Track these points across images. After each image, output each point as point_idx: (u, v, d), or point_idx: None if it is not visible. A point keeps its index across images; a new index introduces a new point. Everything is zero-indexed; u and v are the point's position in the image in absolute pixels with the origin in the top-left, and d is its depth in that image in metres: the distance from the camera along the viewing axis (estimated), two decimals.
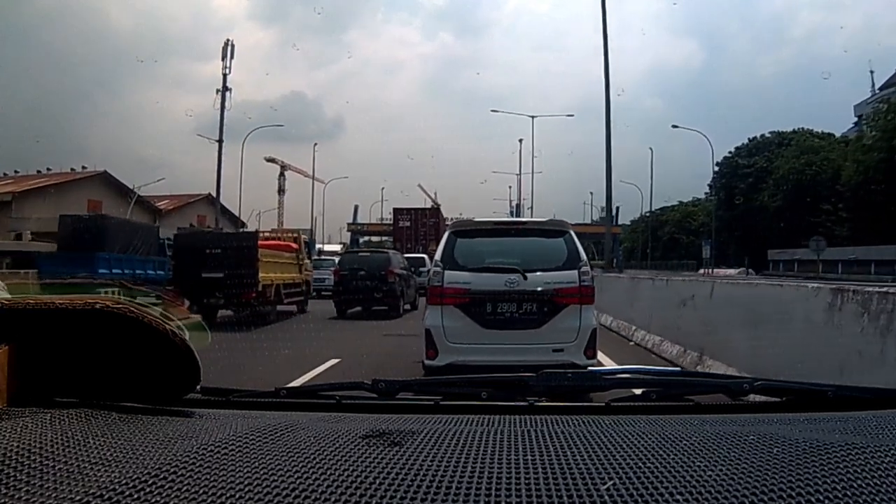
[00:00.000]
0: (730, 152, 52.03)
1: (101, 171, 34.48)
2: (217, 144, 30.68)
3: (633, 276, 14.46)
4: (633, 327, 9.83)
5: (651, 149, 51.05)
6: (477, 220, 6.64)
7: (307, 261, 17.01)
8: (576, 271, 5.49)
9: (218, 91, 31.57)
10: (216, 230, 28.16)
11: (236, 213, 40.33)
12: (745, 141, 52.67)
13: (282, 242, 16.08)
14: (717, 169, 49.87)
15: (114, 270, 14.97)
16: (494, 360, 5.17)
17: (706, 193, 57.74)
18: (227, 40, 32.40)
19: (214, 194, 35.87)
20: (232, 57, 31.90)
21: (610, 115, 21.87)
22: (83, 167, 35.67)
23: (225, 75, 31.42)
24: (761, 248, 43.87)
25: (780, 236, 43.06)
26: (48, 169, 35.90)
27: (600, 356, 7.26)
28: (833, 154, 43.36)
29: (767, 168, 47.71)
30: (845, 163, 39.30)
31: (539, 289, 5.40)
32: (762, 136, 52.22)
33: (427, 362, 5.41)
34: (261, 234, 16.49)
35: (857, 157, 37.33)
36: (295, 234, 17.88)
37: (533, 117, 44.86)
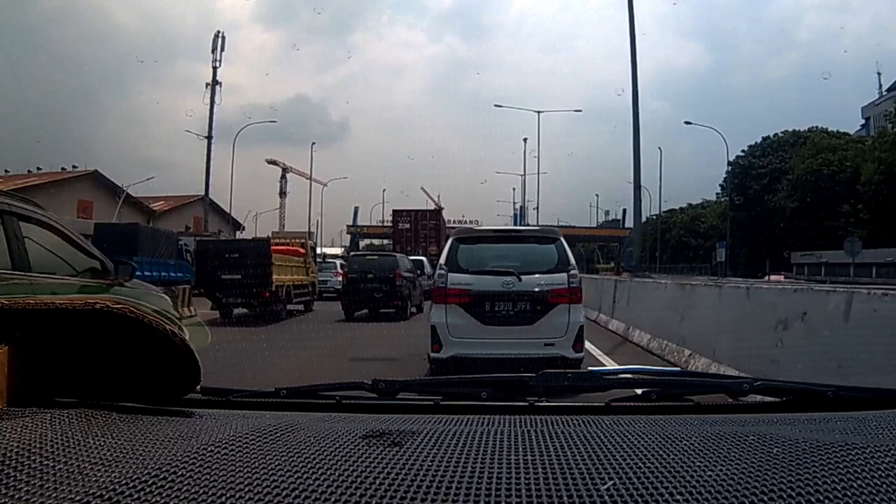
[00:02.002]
0: (742, 151, 50.07)
1: (92, 170, 33.81)
2: (206, 140, 30.07)
3: (684, 282, 10.67)
4: (688, 352, 7.35)
5: (660, 148, 50.02)
6: (477, 228, 7.94)
7: (313, 264, 18.54)
8: (565, 274, 6.07)
9: (208, 85, 30.80)
10: (213, 233, 28.40)
11: (232, 215, 40.13)
12: (759, 140, 50.91)
13: (291, 247, 17.47)
14: (728, 169, 48.23)
15: (145, 273, 15.99)
16: (492, 353, 5.77)
17: (718, 194, 55.98)
18: (218, 31, 31.57)
19: (210, 194, 35.69)
20: (223, 49, 31.22)
21: (637, 106, 20.31)
22: (73, 166, 34.89)
23: (215, 68, 30.75)
24: (778, 251, 41.83)
25: (796, 239, 41.12)
26: (38, 168, 35.14)
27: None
28: (851, 153, 41.34)
29: (782, 168, 45.75)
30: (865, 162, 37.41)
31: (532, 289, 5.98)
32: (775, 135, 50.22)
33: (432, 355, 5.99)
34: (274, 240, 18.63)
35: (878, 156, 35.55)
36: (302, 240, 19.67)
37: (539, 112, 44.16)
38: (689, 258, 55.04)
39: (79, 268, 4.65)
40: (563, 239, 6.46)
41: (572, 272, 6.11)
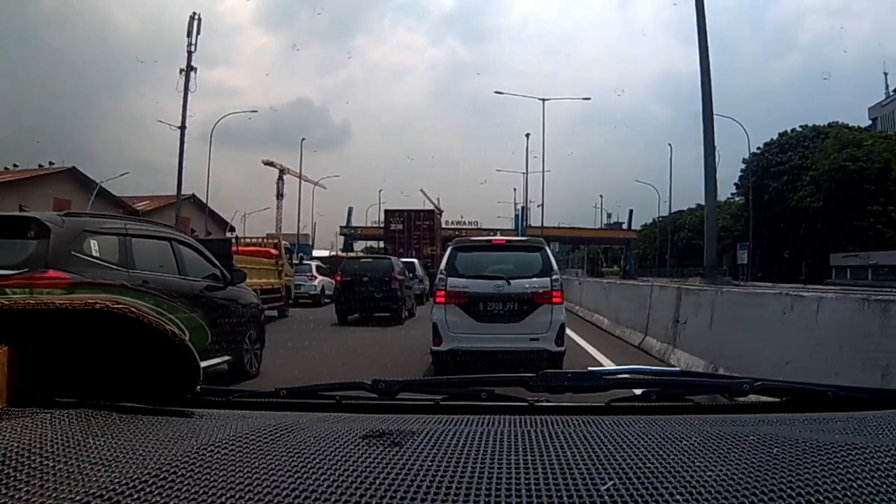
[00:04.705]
0: (758, 148, 46.03)
1: (69, 167, 32.10)
2: (180, 131, 27.40)
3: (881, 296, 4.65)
4: None
5: (670, 145, 48.24)
6: (473, 238, 8.71)
7: (288, 267, 17.25)
8: (548, 278, 6.86)
9: (182, 71, 28.19)
10: (195, 234, 27.67)
11: (221, 216, 39.26)
12: (775, 136, 46.75)
13: (261, 248, 16.65)
14: (744, 167, 44.92)
15: None
16: (485, 347, 6.58)
17: (733, 193, 52.68)
18: (194, 13, 28.93)
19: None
20: (198, 33, 28.07)
21: (706, 34, 16.88)
22: (50, 162, 33.22)
23: (190, 53, 27.80)
24: (800, 253, 39.00)
25: (821, 239, 38.03)
26: (15, 165, 33.61)
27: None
28: (878, 147, 38.04)
29: (802, 165, 41.96)
30: (894, 157, 34.77)
31: (520, 292, 6.76)
32: (793, 130, 46.18)
33: (434, 348, 6.73)
34: (245, 240, 17.74)
35: None
36: (275, 240, 18.47)
37: (544, 100, 40.46)
38: (698, 261, 53.25)
39: (206, 274, 6.47)
40: (547, 248, 7.33)
41: (555, 277, 6.90)
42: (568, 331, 9.65)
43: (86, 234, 4.99)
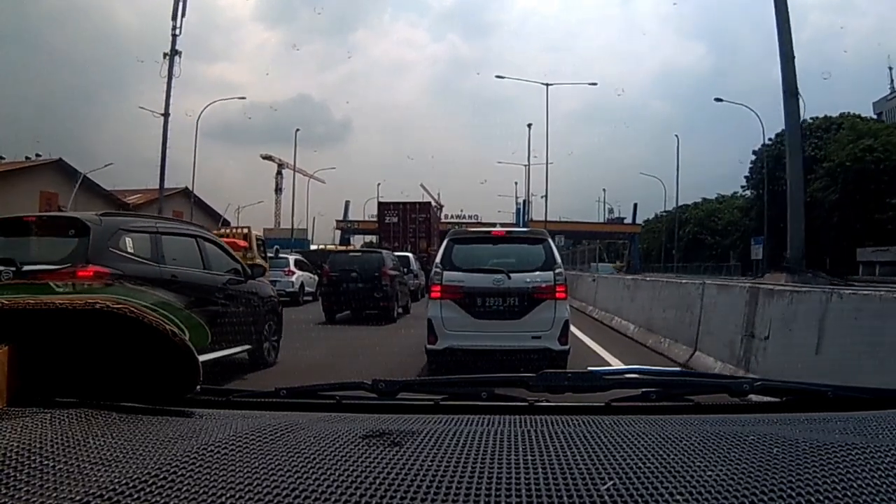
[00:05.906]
0: (769, 140, 43.66)
1: (56, 158, 30.75)
2: (163, 118, 25.30)
3: None
4: None
5: (677, 136, 45.10)
6: (472, 230, 8.47)
7: (260, 260, 16.07)
8: (551, 272, 6.48)
9: (166, 55, 26.03)
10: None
11: (214, 209, 38.79)
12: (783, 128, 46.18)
13: (227, 239, 15.72)
14: (754, 158, 42.97)
15: None
16: (484, 345, 6.21)
17: (743, 187, 51.08)
18: None
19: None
20: (183, 15, 26.61)
21: None
22: (37, 154, 32.06)
23: (174, 36, 26.29)
24: (815, 249, 37.93)
25: (839, 234, 36.14)
26: (1, 158, 32.52)
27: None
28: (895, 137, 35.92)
29: (815, 156, 39.18)
30: None
31: (520, 286, 6.38)
32: (804, 121, 43.99)
33: (429, 346, 6.39)
34: (213, 231, 16.64)
35: None
36: (245, 231, 17.07)
37: (547, 85, 38.58)
38: (705, 257, 51.26)
39: (228, 268, 6.93)
40: (549, 240, 6.94)
41: (558, 271, 6.53)
42: (586, 338, 9.29)
43: (121, 233, 5.46)
